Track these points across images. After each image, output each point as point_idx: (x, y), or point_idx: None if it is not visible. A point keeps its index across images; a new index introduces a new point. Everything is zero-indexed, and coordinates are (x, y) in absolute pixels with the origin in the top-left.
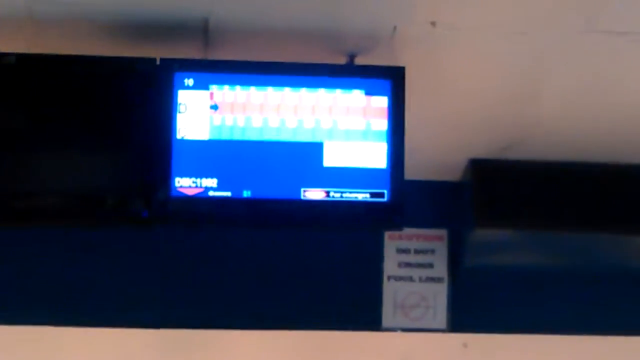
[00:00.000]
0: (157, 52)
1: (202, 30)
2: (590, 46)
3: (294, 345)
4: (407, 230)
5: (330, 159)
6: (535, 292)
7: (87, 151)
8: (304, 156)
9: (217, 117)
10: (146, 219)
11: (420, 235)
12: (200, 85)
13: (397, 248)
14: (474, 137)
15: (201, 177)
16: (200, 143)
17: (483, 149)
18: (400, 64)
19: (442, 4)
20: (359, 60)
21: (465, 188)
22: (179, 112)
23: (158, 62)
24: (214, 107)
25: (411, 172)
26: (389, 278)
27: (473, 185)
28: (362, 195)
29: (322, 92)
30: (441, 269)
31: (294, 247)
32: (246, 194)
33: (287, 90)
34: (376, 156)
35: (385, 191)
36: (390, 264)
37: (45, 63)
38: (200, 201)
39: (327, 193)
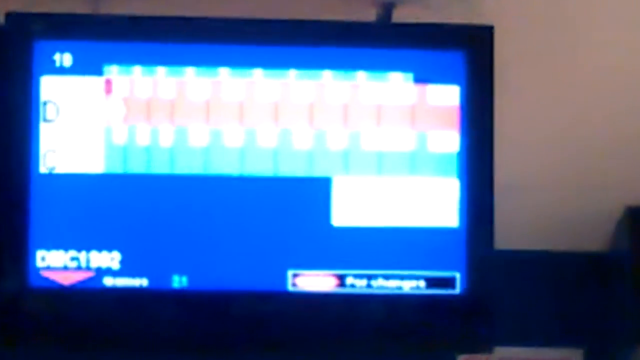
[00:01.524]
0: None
1: None
2: None
3: None
4: (502, 352)
5: (345, 210)
6: None
7: None
8: (293, 206)
9: (119, 130)
10: None
11: None
12: (85, 66)
13: None
14: (629, 167)
15: (88, 250)
16: (86, 181)
17: None
18: (484, 22)
19: None
20: (400, 14)
21: (618, 265)
22: (44, 119)
23: (2, 20)
24: (116, 110)
25: (507, 236)
26: None
27: (635, 260)
28: (410, 284)
29: (327, 76)
30: None
31: None
32: (178, 282)
33: (257, 73)
34: (437, 205)
35: (458, 275)
36: None
37: None
38: (87, 297)
39: (341, 280)
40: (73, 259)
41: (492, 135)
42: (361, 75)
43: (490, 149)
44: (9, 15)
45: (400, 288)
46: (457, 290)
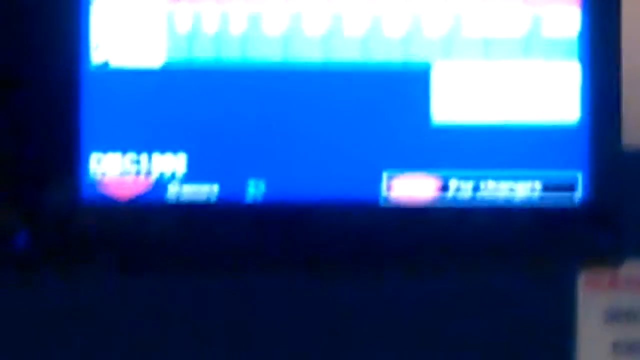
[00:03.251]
0: None
1: None
2: None
3: None
4: (632, 268)
5: (448, 105)
6: None
7: None
8: (388, 100)
9: (184, 14)
10: (25, 251)
11: None
12: None
13: (609, 310)
14: None
15: (151, 152)
16: (146, 75)
17: None
18: None
19: None
20: None
21: None
22: (96, 3)
23: None
24: None
25: (637, 132)
26: None
27: None
28: (524, 187)
29: None
30: None
31: (367, 311)
32: (255, 191)
33: None
34: (555, 95)
35: (579, 175)
36: (595, 348)
37: None
38: (151, 213)
39: (443, 185)
40: (133, 162)
41: (620, 11)
42: None
43: (617, 28)
44: None
45: (512, 191)
46: (579, 194)
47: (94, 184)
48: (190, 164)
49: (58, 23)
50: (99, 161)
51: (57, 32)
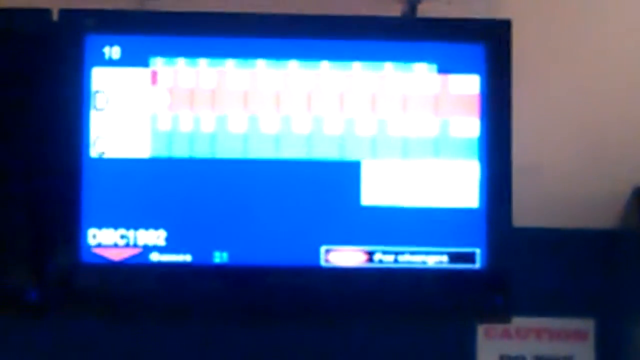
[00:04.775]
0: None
1: None
2: None
3: None
4: (519, 322)
5: (374, 191)
6: None
7: None
8: (325, 187)
9: (164, 117)
10: (35, 304)
11: (544, 330)
12: (133, 59)
13: (502, 355)
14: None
15: (136, 228)
16: (134, 165)
17: None
18: (502, 16)
19: None
20: (424, 9)
21: (628, 241)
22: (94, 108)
23: (55, 17)
24: (161, 98)
25: (523, 215)
26: None
27: None
28: (434, 259)
29: (356, 68)
30: None
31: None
32: (219, 258)
33: (292, 65)
34: (459, 185)
35: (478, 250)
36: None
37: None
38: (136, 272)
39: (370, 255)
40: (122, 236)
41: (510, 121)
42: (388, 66)
43: (508, 134)
44: (62, 12)
45: (424, 263)
46: (478, 264)
47: (91, 251)
48: (168, 237)
49: (65, 124)
50: (95, 234)
51: (63, 130)
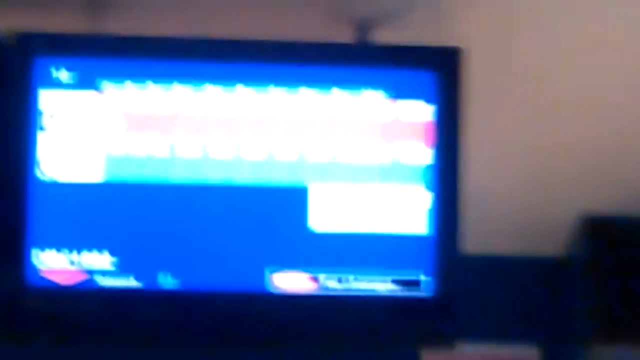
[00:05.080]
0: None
1: None
2: None
3: None
4: (464, 349)
5: (322, 217)
6: None
7: None
8: (274, 212)
9: (113, 142)
10: None
11: (490, 357)
12: (82, 81)
13: None
14: (585, 176)
15: (82, 250)
16: (82, 189)
17: (602, 199)
18: (455, 43)
19: None
20: (377, 35)
21: (574, 269)
22: (41, 129)
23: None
24: (110, 122)
25: (472, 242)
26: None
27: (589, 265)
28: (381, 286)
29: (305, 93)
30: None
31: None
32: (167, 283)
33: (240, 89)
34: (408, 212)
35: (425, 277)
36: None
37: None
38: (82, 297)
39: (316, 280)
40: (68, 260)
41: (460, 148)
42: (338, 92)
43: (458, 161)
44: (11, 34)
45: (372, 289)
46: (424, 291)
47: (36, 274)
48: (116, 262)
49: (11, 145)
50: (40, 257)
51: (10, 152)
